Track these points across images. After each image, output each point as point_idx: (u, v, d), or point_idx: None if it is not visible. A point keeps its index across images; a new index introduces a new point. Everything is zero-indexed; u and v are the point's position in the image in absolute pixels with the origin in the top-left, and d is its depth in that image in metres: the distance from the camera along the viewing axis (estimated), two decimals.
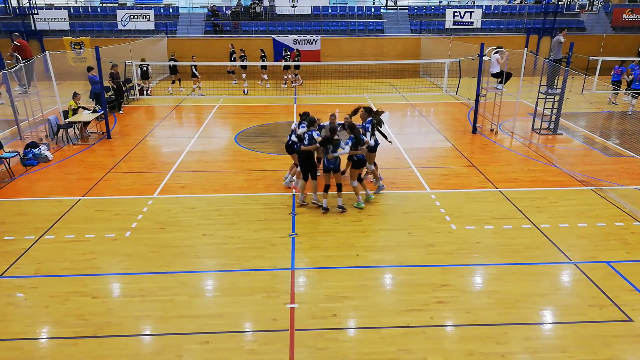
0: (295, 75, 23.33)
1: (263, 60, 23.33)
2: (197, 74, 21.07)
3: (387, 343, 5.96)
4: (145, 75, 21.12)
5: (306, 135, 9.30)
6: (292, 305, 6.68)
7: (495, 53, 14.88)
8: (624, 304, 6.64)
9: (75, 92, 15.15)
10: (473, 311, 6.53)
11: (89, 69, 16.41)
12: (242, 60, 22.01)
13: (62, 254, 8.02)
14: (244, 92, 21.32)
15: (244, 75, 22.96)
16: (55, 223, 9.10)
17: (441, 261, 7.78)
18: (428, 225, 9.00)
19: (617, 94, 19.13)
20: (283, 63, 23.03)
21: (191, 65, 20.78)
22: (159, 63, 24.35)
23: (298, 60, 23.75)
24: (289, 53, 23.87)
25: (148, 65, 21.07)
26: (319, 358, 5.75)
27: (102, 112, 14.84)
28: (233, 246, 8.28)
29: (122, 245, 8.33)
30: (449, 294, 6.91)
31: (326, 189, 9.46)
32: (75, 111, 14.77)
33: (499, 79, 15.03)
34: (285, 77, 23.60)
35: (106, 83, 17.24)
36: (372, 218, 9.28)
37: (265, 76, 23.67)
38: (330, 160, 9.22)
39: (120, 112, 18.13)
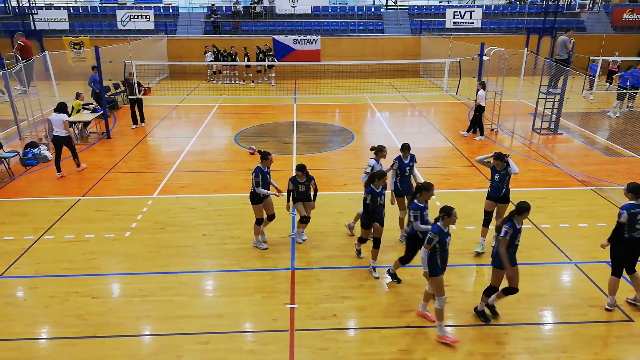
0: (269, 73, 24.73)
1: (263, 59, 23.41)
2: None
3: (388, 343, 5.95)
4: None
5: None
6: (292, 306, 6.68)
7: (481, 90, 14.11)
8: (624, 304, 6.63)
9: (78, 93, 15.09)
10: (473, 311, 6.52)
11: (94, 68, 16.27)
12: (226, 60, 23.43)
13: (61, 254, 8.01)
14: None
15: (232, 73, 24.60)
16: (54, 223, 9.09)
17: None
18: None
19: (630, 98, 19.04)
20: (268, 62, 23.54)
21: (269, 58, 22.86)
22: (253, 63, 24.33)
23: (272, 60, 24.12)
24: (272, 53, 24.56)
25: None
26: (319, 358, 5.74)
27: (102, 111, 14.82)
28: (233, 246, 8.27)
29: (122, 245, 8.32)
30: (449, 294, 6.86)
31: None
32: (79, 112, 14.72)
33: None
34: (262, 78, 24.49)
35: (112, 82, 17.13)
36: None
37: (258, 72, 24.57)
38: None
39: None
